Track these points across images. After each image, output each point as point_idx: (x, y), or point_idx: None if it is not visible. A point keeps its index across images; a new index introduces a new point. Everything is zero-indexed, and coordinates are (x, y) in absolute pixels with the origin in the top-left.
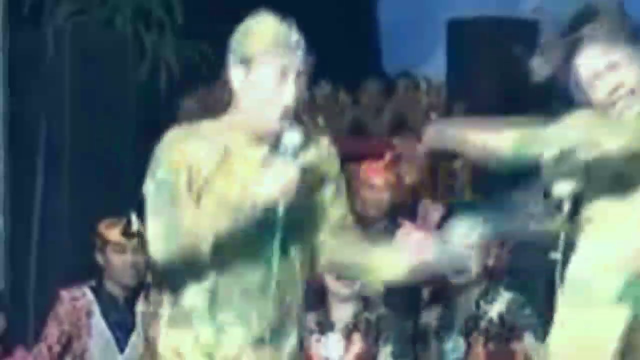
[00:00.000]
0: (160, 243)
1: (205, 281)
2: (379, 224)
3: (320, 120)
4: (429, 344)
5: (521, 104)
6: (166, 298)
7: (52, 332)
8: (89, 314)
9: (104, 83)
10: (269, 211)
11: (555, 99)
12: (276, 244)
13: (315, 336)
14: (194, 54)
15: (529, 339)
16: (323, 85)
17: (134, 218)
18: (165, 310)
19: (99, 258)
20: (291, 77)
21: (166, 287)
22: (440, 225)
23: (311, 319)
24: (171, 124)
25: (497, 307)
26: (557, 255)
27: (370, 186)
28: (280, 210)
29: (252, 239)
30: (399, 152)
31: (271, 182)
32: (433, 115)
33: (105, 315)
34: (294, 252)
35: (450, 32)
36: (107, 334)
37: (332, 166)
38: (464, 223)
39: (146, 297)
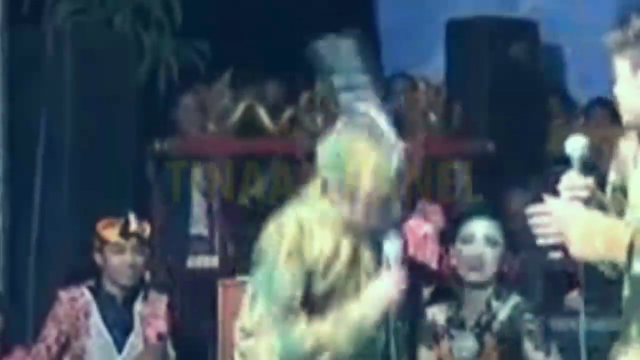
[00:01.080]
0: (271, 357)
1: None
2: None
3: (319, 121)
4: (438, 343)
5: (520, 104)
6: None
7: (51, 332)
8: (87, 314)
9: (104, 83)
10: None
11: (553, 97)
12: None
13: None
14: (193, 54)
15: (527, 345)
16: (322, 85)
17: (132, 218)
18: None
19: (97, 258)
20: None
21: None
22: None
23: None
24: (170, 124)
25: (506, 310)
26: (557, 255)
27: None
28: (391, 316)
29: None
30: None
31: (383, 296)
32: (432, 116)
33: (103, 315)
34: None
35: (449, 32)
36: (106, 334)
37: None
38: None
39: (145, 298)
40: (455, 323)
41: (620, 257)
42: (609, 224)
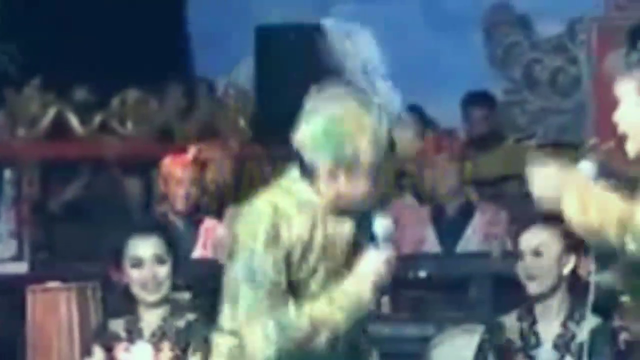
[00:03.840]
0: (268, 344)
1: None
2: (186, 220)
3: (129, 126)
4: None
5: None
6: None
7: None
8: None
9: None
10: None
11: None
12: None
13: (123, 344)
14: (2, 58)
15: None
16: (132, 90)
17: None
18: None
19: None
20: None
21: None
22: None
23: (119, 325)
24: None
25: None
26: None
27: (176, 180)
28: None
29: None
30: (206, 158)
31: (373, 275)
32: (241, 122)
33: None
34: None
35: (258, 39)
36: None
37: None
38: None
39: None
40: None
41: (611, 232)
42: (603, 194)
